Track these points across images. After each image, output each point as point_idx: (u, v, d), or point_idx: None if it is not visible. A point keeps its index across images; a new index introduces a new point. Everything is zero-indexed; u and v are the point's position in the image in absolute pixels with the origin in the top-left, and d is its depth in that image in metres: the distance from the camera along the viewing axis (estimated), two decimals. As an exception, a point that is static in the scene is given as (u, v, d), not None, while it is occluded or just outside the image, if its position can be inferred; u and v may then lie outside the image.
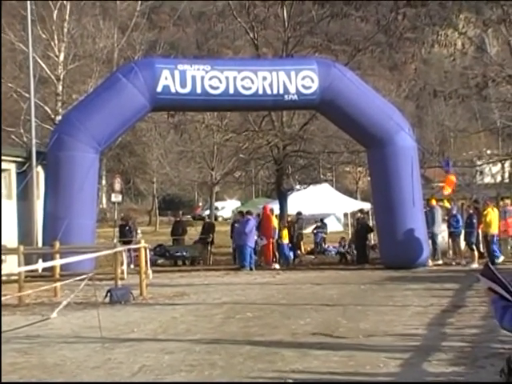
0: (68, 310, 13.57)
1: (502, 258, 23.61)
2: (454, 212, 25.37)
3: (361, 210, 29.01)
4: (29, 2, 25.07)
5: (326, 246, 32.37)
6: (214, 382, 8.19)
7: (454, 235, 25.06)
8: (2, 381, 8.06)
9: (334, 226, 42.32)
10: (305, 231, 30.87)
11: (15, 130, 39.05)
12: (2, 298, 14.39)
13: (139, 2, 45.51)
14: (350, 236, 29.93)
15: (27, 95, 28.52)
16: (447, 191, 25.30)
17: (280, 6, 31.50)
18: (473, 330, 11.43)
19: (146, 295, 16.89)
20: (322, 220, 33.69)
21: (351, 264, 25.87)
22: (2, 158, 22.45)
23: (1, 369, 8.36)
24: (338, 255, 29.07)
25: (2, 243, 20.15)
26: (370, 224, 29.86)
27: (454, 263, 24.35)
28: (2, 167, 22.68)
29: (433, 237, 24.37)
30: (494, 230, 23.68)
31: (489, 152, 48.72)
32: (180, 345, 10.67)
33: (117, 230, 28.29)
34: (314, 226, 33.47)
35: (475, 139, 55.24)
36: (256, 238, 25.09)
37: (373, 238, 28.55)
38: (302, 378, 8.49)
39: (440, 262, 24.42)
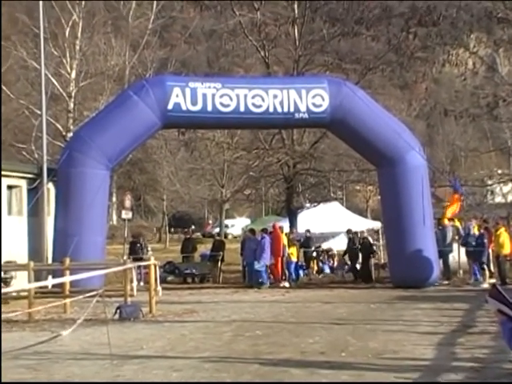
0: (77, 327, 13.56)
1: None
2: (472, 231, 24.99)
3: (348, 231, 28.62)
4: (41, 18, 25.27)
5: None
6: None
7: (470, 254, 24.67)
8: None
9: (343, 244, 42.12)
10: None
11: (26, 146, 39.28)
12: (12, 315, 14.44)
13: (151, 20, 45.77)
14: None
15: (39, 112, 28.74)
16: (451, 211, 25.05)
17: (291, 25, 31.66)
18: (483, 350, 11.35)
19: (156, 312, 16.89)
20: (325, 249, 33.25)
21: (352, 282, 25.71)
22: (13, 174, 22.57)
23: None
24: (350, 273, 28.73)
25: (12, 259, 20.25)
26: (380, 243, 29.70)
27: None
28: (13, 183, 22.78)
29: (443, 256, 24.26)
30: (507, 250, 23.55)
31: (500, 171, 48.64)
32: (189, 362, 10.65)
33: (127, 246, 28.29)
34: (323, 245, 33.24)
35: (486, 158, 55.17)
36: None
37: (382, 257, 28.41)
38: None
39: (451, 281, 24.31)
